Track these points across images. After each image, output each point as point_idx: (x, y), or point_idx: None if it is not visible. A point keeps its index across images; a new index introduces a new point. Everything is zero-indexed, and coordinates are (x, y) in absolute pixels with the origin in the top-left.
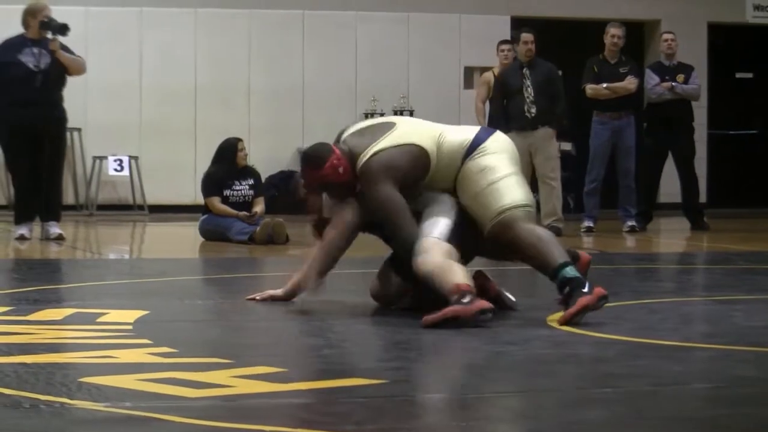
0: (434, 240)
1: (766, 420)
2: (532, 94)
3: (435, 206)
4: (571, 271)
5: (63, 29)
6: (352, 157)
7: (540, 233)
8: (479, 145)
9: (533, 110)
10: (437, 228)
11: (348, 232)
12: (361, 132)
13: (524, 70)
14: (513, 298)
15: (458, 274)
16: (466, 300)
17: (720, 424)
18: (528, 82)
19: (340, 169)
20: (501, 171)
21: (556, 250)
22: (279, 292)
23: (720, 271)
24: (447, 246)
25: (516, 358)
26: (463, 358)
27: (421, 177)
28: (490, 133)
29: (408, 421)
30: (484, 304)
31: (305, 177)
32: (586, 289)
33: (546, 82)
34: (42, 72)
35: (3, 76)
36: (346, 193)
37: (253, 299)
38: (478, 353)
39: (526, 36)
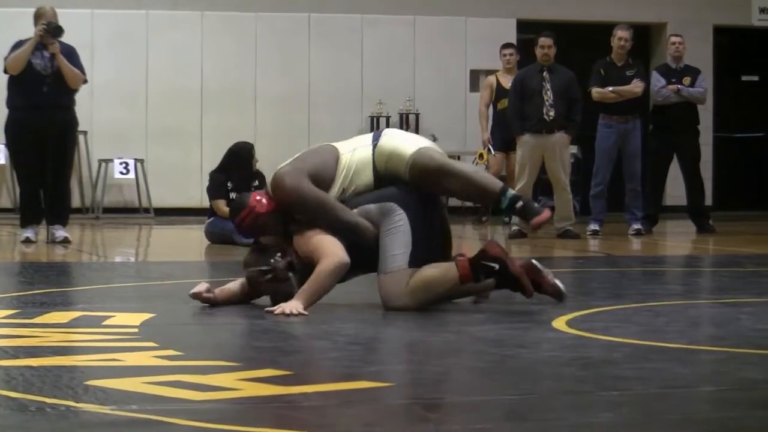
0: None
1: None
2: (552, 98)
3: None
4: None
5: (56, 31)
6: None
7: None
8: (378, 137)
9: (552, 113)
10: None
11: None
12: None
13: (544, 73)
14: (562, 287)
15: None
16: None
17: (727, 427)
18: (548, 86)
19: (263, 200)
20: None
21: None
22: (301, 308)
23: (726, 273)
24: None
25: (524, 360)
26: (470, 360)
27: (334, 168)
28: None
29: (416, 425)
30: None
31: (242, 225)
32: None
33: (566, 88)
34: (51, 75)
35: (14, 78)
36: (281, 223)
37: (272, 311)
38: (486, 356)
39: (544, 40)
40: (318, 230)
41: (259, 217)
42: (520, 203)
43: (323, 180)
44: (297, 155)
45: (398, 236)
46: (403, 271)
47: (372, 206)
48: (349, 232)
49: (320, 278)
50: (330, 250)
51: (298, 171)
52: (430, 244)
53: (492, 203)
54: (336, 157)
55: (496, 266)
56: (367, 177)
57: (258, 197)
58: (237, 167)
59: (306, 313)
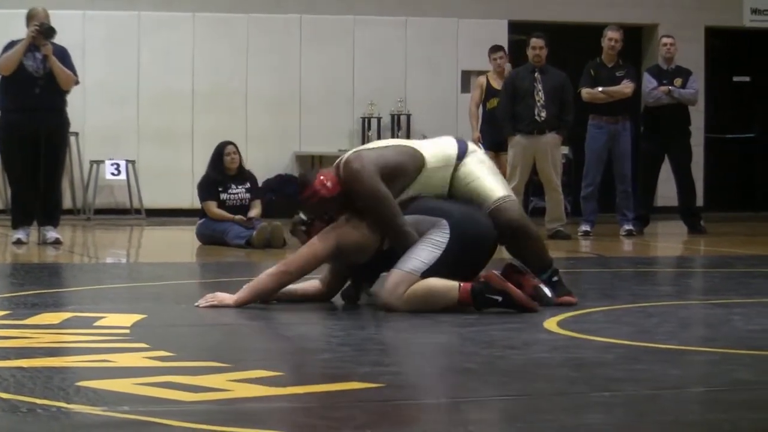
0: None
1: (764, 423)
2: (543, 99)
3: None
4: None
5: (49, 32)
6: (337, 169)
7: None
8: (465, 149)
9: (543, 114)
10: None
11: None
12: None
13: (536, 74)
14: (549, 294)
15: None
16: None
17: (720, 429)
18: (539, 86)
19: (328, 183)
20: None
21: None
22: (228, 300)
23: (718, 274)
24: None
25: (515, 362)
26: (462, 362)
27: (412, 176)
28: (465, 142)
29: (406, 426)
30: None
31: (301, 202)
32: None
33: (557, 89)
34: (43, 77)
35: (5, 79)
36: (342, 206)
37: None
38: (477, 357)
39: (535, 41)
40: (333, 237)
41: (321, 201)
42: (556, 278)
43: (398, 181)
44: (380, 143)
45: (431, 251)
46: (413, 276)
47: (422, 218)
48: (395, 237)
49: (261, 278)
50: (299, 258)
51: (374, 162)
52: (453, 273)
53: (536, 270)
54: (418, 166)
55: (500, 299)
56: (440, 191)
57: (323, 178)
58: (214, 167)
59: (231, 304)
